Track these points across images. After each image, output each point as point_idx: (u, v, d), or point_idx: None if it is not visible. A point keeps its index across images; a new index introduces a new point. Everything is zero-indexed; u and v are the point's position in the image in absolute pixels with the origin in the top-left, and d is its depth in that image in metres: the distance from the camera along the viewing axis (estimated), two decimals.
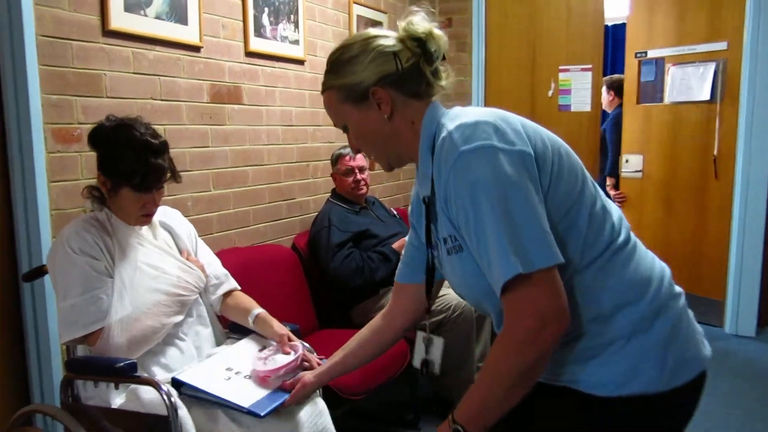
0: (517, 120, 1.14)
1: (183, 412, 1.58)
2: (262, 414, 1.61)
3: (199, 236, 2.10)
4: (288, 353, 1.79)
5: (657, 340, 1.09)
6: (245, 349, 1.89)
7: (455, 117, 1.16)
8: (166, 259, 1.86)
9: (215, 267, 2.05)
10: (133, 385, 1.67)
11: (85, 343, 1.74)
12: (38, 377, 2.19)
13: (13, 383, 2.20)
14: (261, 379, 1.74)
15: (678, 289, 1.19)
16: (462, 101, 4.10)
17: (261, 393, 1.70)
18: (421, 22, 1.22)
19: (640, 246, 1.19)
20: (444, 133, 1.12)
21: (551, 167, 1.10)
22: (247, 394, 1.69)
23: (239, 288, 2.07)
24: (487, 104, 4.51)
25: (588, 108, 4.32)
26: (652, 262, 1.18)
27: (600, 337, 1.10)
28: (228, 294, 2.03)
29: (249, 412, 1.62)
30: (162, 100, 2.50)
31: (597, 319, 1.10)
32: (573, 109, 4.36)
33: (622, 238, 1.14)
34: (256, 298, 2.02)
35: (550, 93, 4.41)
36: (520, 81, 4.47)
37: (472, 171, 1.05)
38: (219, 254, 2.16)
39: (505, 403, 1.06)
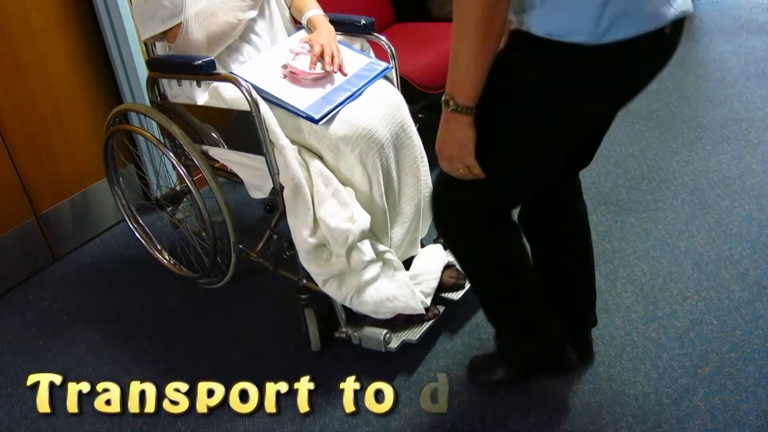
0: None
1: (264, 108, 1.60)
2: (317, 118, 1.60)
3: None
4: (314, 66, 1.70)
5: None
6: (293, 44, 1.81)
7: None
8: None
9: None
10: (214, 83, 1.69)
11: (164, 39, 1.74)
12: (125, 79, 2.27)
13: (103, 86, 2.30)
14: (291, 75, 1.70)
15: None
16: None
17: (317, 93, 1.67)
18: None
19: None
20: None
21: None
22: (303, 94, 1.65)
23: None
24: None
25: None
26: None
27: None
28: None
29: (306, 117, 1.62)
30: None
31: None
32: None
33: None
34: None
35: None
36: None
37: None
38: None
39: (478, 59, 1.13)
